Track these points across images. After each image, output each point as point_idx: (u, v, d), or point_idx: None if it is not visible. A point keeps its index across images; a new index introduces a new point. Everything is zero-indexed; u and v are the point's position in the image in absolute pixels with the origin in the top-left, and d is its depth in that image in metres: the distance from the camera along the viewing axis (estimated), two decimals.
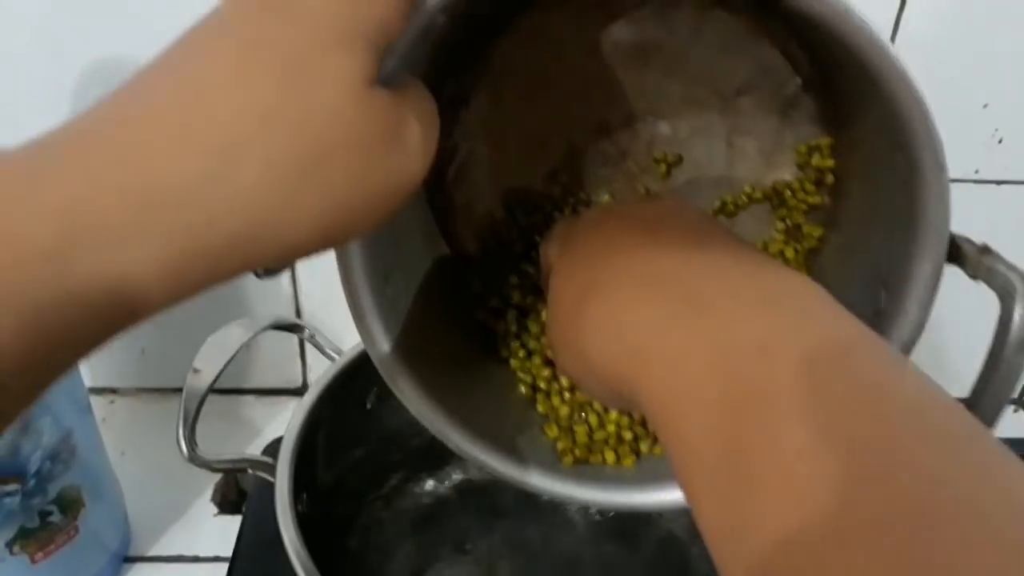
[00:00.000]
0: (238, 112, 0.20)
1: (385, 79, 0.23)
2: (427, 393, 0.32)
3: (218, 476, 0.59)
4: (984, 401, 0.26)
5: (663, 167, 0.36)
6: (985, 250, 0.27)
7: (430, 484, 0.49)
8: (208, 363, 0.39)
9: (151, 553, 0.55)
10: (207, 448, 0.41)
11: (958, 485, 0.20)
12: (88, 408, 0.51)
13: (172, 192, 0.20)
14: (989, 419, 0.26)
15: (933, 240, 0.27)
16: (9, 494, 0.44)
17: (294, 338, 0.53)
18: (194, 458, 0.38)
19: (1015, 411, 0.71)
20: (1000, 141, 0.60)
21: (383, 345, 0.31)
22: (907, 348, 0.29)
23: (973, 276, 0.27)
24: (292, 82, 0.21)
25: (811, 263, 0.36)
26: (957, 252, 0.28)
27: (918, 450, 0.20)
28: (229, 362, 0.39)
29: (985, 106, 0.59)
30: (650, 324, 0.25)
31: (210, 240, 0.20)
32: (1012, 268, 0.26)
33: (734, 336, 0.23)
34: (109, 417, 0.63)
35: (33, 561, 0.47)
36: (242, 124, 0.20)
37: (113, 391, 0.66)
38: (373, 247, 0.31)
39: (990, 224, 0.62)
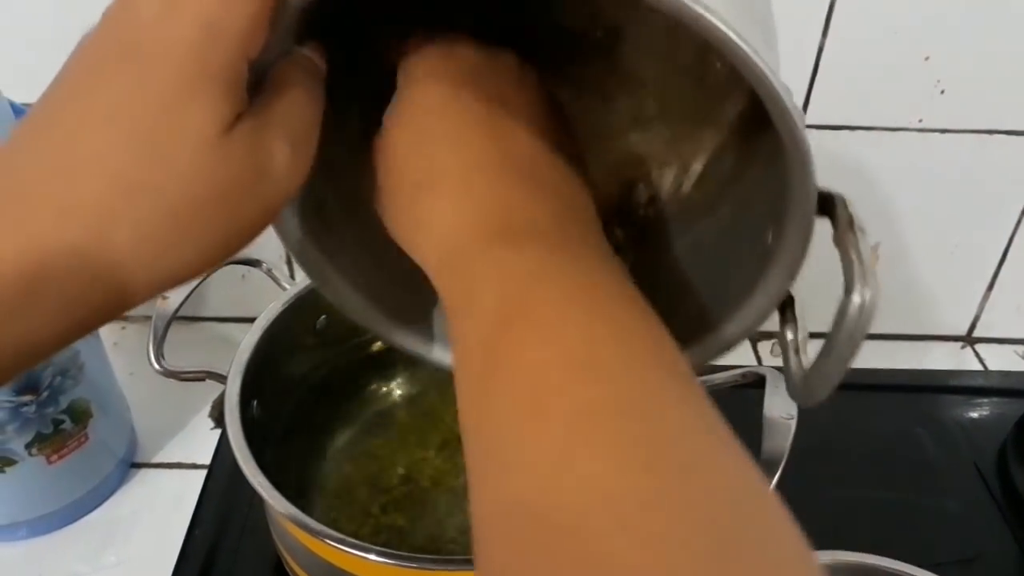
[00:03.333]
0: (106, 186, 0.23)
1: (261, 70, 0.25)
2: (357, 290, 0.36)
3: (216, 394, 0.66)
4: (814, 381, 0.27)
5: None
6: (848, 226, 0.26)
7: (375, 394, 0.56)
8: (174, 291, 0.45)
9: (155, 460, 0.62)
10: (198, 362, 0.48)
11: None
12: (96, 334, 0.58)
13: (57, 263, 0.23)
14: (818, 395, 0.27)
15: (800, 217, 0.27)
16: (25, 404, 0.52)
17: None
18: (163, 370, 0.45)
19: (962, 347, 0.76)
20: (942, 92, 0.62)
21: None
22: (789, 279, 0.30)
23: (835, 244, 0.27)
24: (150, 150, 0.23)
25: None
26: (832, 213, 0.27)
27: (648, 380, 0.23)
28: (193, 290, 0.45)
29: (927, 58, 0.61)
30: (465, 237, 0.27)
31: (95, 295, 0.23)
32: (859, 259, 0.25)
33: (522, 266, 0.26)
34: (120, 342, 0.70)
35: (49, 462, 0.54)
36: (111, 197, 0.23)
37: (124, 319, 0.73)
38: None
39: (933, 171, 0.66)
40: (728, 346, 0.32)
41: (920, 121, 0.64)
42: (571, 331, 0.24)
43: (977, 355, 0.74)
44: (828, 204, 0.27)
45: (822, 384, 0.27)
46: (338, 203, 0.35)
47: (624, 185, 0.38)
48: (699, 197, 0.36)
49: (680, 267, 0.36)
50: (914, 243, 0.70)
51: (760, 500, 0.21)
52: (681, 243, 0.36)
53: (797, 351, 0.29)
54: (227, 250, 0.25)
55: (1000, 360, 0.74)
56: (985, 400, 0.66)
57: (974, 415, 0.65)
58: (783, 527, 0.21)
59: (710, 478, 0.21)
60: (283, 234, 0.34)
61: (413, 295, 0.36)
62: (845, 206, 0.27)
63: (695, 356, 0.33)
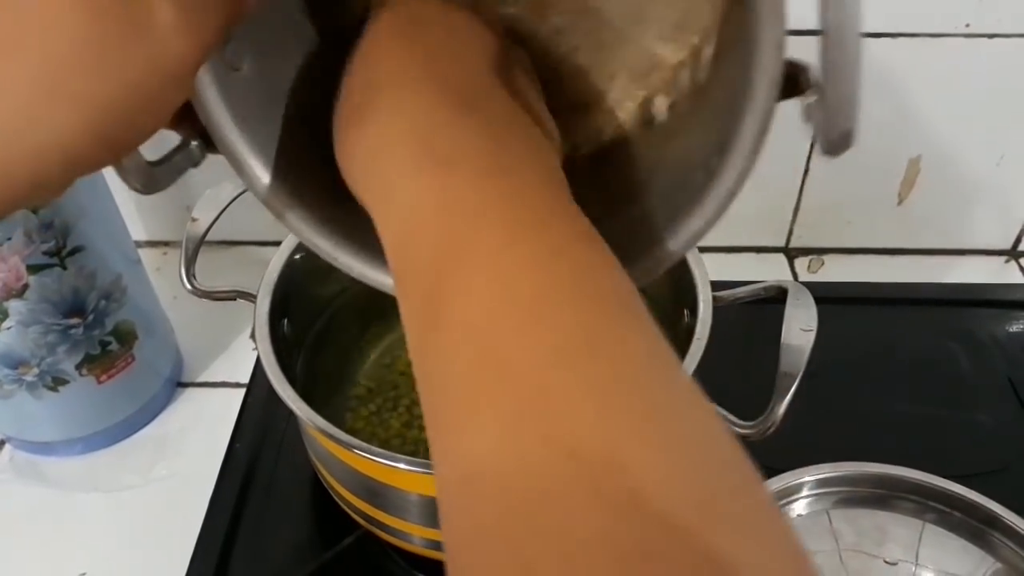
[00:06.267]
0: None
1: None
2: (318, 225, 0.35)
3: None
4: (834, 104, 0.24)
5: None
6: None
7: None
8: (204, 213, 0.46)
9: (200, 380, 0.65)
10: (234, 284, 0.50)
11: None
12: (137, 259, 0.60)
13: None
14: (843, 120, 0.24)
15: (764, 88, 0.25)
16: (74, 327, 0.54)
17: None
18: (194, 289, 0.46)
19: (1006, 261, 0.74)
20: None
21: (263, 178, 0.33)
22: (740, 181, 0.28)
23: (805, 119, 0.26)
24: (10, 5, 0.22)
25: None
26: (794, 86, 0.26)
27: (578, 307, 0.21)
28: (222, 212, 0.47)
29: None
30: (398, 165, 0.25)
31: None
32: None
33: (461, 196, 0.24)
34: (163, 267, 0.73)
35: (99, 382, 0.57)
36: None
37: (166, 244, 0.75)
38: (264, 127, 0.32)
39: (980, 79, 0.64)
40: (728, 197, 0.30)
41: (967, 26, 0.61)
42: (521, 270, 0.22)
43: (1022, 270, 0.73)
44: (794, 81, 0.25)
45: (840, 93, 0.24)
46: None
47: (644, 102, 0.36)
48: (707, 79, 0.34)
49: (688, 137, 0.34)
50: (958, 154, 0.68)
51: (720, 434, 0.20)
52: (692, 123, 0.34)
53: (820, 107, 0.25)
54: (117, 114, 0.23)
55: None
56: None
57: (1012, 330, 0.64)
58: (736, 452, 0.20)
59: (677, 422, 0.20)
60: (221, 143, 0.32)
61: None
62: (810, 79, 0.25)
63: (694, 227, 0.31)
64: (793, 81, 0.26)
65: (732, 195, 0.29)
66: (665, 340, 0.22)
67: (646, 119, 0.36)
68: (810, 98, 0.25)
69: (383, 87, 0.27)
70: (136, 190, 0.30)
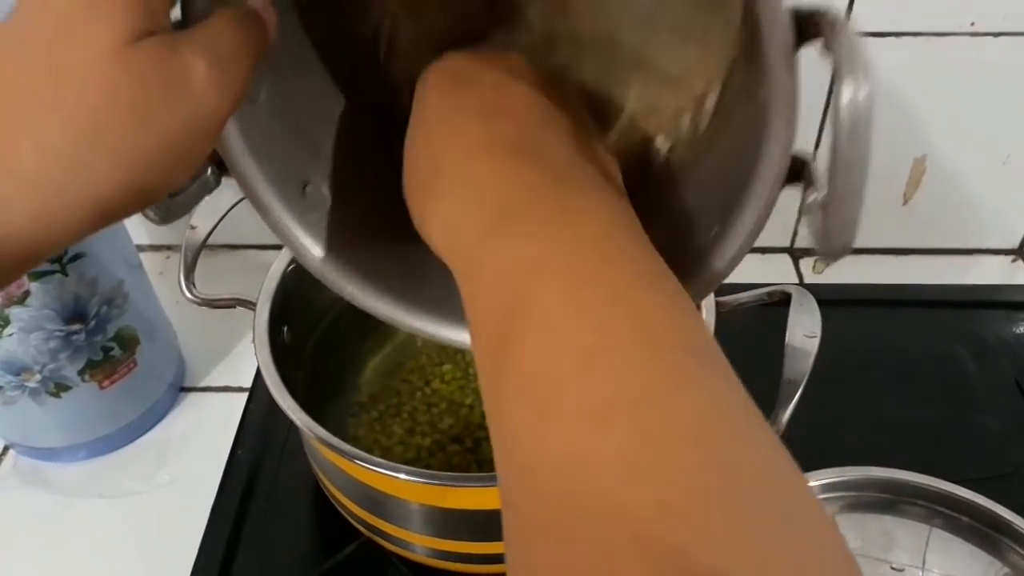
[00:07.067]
0: (8, 102, 0.22)
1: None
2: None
3: None
4: (833, 216, 0.24)
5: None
6: (832, 26, 0.24)
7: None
8: (203, 221, 0.46)
9: (203, 384, 0.64)
10: (238, 289, 0.50)
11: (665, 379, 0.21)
12: (139, 264, 0.59)
13: None
14: (841, 233, 0.25)
15: (777, 44, 0.25)
16: (75, 333, 0.54)
17: None
18: (193, 297, 0.46)
19: (1013, 261, 0.73)
20: None
21: (315, 251, 0.37)
22: (789, 128, 0.26)
23: (825, 49, 0.24)
24: (49, 61, 0.22)
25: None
26: (817, 24, 0.24)
27: (656, 364, 0.22)
28: (221, 219, 0.46)
29: None
30: (467, 230, 0.27)
31: (12, 221, 0.23)
32: (850, 51, 0.23)
33: (522, 254, 0.25)
34: (166, 271, 0.73)
35: (102, 387, 0.57)
36: (13, 113, 0.22)
37: (168, 248, 0.75)
38: (278, 159, 0.33)
39: (986, 78, 0.63)
40: (751, 235, 0.30)
41: (972, 25, 0.61)
42: (576, 320, 0.23)
43: None
44: (811, 21, 0.24)
45: (843, 214, 0.24)
46: (326, 184, 0.36)
47: (644, 140, 0.36)
48: (714, 129, 0.34)
49: (690, 195, 0.34)
50: (964, 153, 0.68)
51: (785, 489, 0.20)
52: (693, 176, 0.35)
53: (819, 208, 0.26)
54: (153, 169, 0.24)
55: None
56: None
57: (1019, 331, 0.63)
58: (812, 518, 0.20)
59: (735, 475, 0.20)
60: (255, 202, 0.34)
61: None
62: (828, 13, 0.24)
63: (719, 266, 0.31)
64: (796, 171, 0.27)
65: (730, 268, 0.30)
66: (734, 381, 0.22)
67: (643, 160, 0.36)
68: (810, 196, 0.26)
69: (444, 160, 0.29)
70: (154, 222, 0.31)
